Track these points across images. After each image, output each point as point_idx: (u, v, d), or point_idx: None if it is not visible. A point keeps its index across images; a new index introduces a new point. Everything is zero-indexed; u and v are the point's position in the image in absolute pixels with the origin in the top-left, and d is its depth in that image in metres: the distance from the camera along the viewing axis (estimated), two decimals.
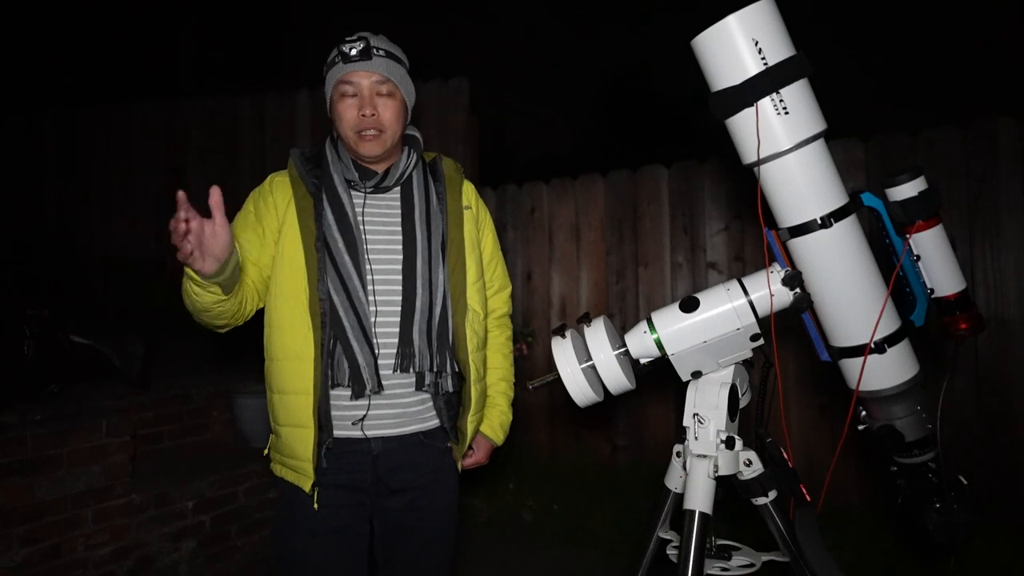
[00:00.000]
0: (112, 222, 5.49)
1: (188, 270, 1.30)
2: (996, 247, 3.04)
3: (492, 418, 1.70)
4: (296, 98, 4.99)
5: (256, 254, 1.50)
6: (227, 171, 5.07)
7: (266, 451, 1.59)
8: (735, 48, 1.22)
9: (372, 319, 1.47)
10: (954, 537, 1.35)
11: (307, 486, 1.46)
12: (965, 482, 1.39)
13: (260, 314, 1.57)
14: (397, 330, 1.49)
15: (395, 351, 1.48)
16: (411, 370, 1.48)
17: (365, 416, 1.48)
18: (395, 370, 1.48)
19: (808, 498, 1.44)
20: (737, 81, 1.23)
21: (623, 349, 1.45)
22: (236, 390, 3.29)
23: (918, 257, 1.36)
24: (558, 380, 1.44)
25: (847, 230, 1.29)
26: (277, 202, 1.52)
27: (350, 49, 1.47)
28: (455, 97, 4.47)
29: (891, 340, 1.34)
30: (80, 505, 2.45)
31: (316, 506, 1.47)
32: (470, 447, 1.66)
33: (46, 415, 2.47)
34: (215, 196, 1.23)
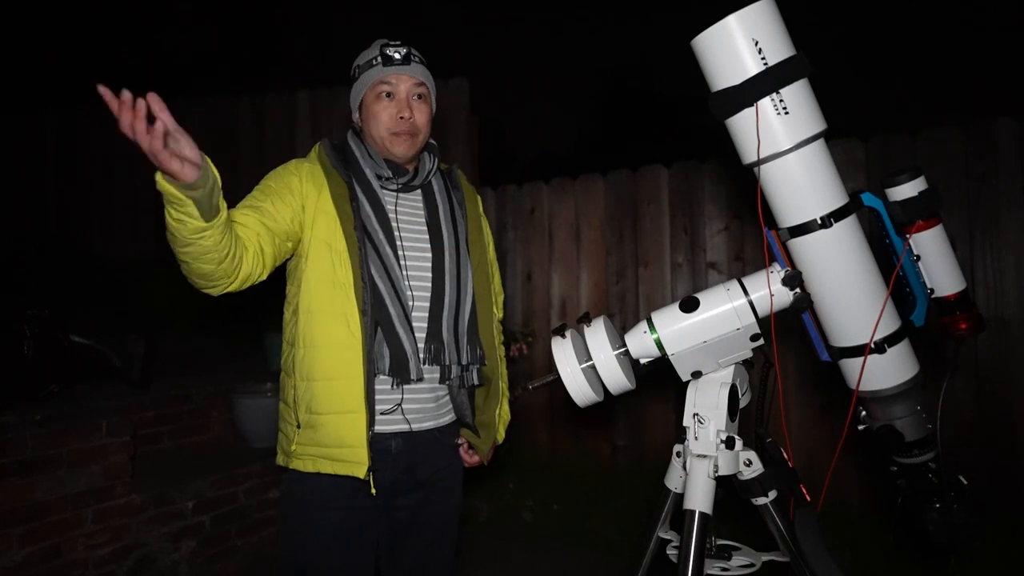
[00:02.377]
0: (112, 222, 5.50)
1: (164, 185, 1.14)
2: (996, 247, 3.04)
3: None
4: (296, 98, 5.00)
5: (270, 217, 1.42)
6: (227, 171, 5.06)
7: (292, 447, 1.50)
8: (735, 48, 1.22)
9: (412, 311, 1.51)
10: (954, 537, 1.35)
11: (362, 472, 1.43)
12: (965, 482, 1.39)
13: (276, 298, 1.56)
14: (425, 325, 1.52)
15: (423, 346, 1.51)
16: (439, 363, 1.51)
17: (398, 407, 1.50)
18: (424, 363, 1.50)
19: (808, 498, 1.44)
20: (737, 81, 1.23)
21: (623, 349, 1.45)
22: (236, 390, 3.29)
23: (918, 257, 1.36)
24: (558, 380, 1.44)
25: (847, 230, 1.29)
26: (304, 184, 1.49)
27: (394, 52, 1.53)
28: (455, 97, 4.48)
29: (891, 340, 1.34)
30: (80, 505, 2.45)
31: (374, 491, 1.46)
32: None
33: (46, 415, 2.47)
34: (155, 102, 1.06)
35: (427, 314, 1.53)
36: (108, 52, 10.63)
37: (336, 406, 1.45)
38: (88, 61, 10.27)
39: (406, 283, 1.51)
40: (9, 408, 2.44)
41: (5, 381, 2.49)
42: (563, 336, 1.47)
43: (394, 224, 1.54)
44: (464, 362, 1.54)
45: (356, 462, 1.43)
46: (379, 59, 1.54)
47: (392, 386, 1.49)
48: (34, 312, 2.70)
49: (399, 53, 1.53)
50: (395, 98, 1.54)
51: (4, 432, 2.31)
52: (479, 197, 1.77)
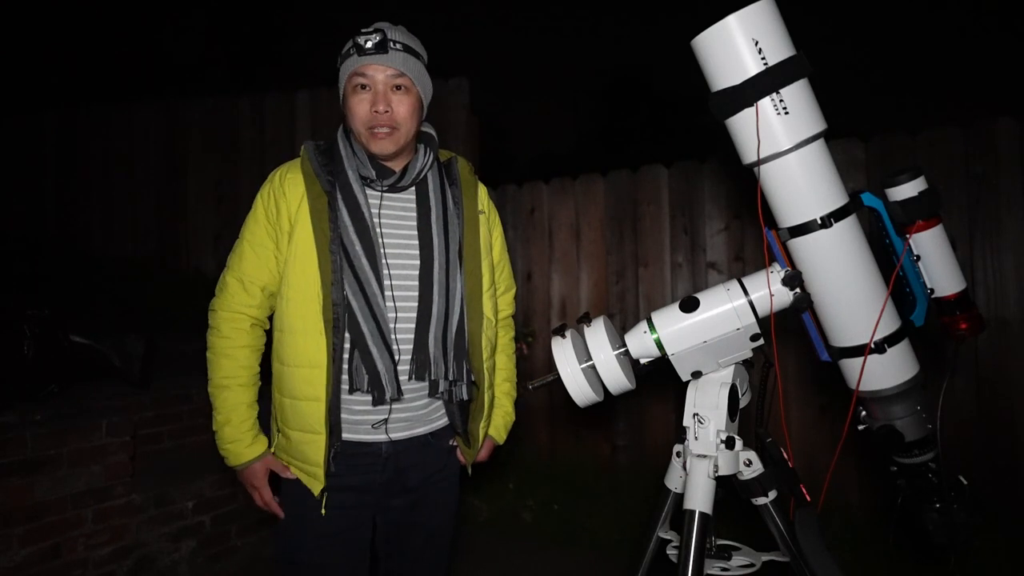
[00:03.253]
0: (112, 222, 5.49)
1: (229, 448, 1.51)
2: (996, 247, 3.04)
3: (497, 419, 1.69)
4: (296, 98, 5.00)
5: (276, 268, 1.48)
6: (227, 171, 5.07)
7: (271, 451, 1.55)
8: (735, 48, 1.22)
9: (391, 325, 1.45)
10: (954, 537, 1.36)
11: (317, 490, 1.46)
12: (965, 482, 1.39)
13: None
14: (412, 336, 1.47)
15: (410, 358, 1.46)
16: (426, 378, 1.46)
17: (386, 420, 1.48)
18: (410, 377, 1.46)
19: (808, 498, 1.44)
20: (737, 81, 1.23)
21: (623, 349, 1.45)
22: None
23: (918, 257, 1.36)
24: (558, 380, 1.44)
25: (847, 230, 1.29)
26: (289, 202, 1.46)
27: (365, 41, 1.41)
28: (455, 97, 4.48)
29: (891, 340, 1.34)
30: (80, 505, 2.45)
31: (324, 511, 1.46)
32: None
33: (46, 415, 2.47)
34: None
35: (414, 326, 1.47)
36: (108, 52, 10.63)
37: (301, 425, 1.45)
38: (88, 61, 10.27)
39: (383, 297, 1.44)
40: (9, 408, 2.44)
41: (5, 381, 2.49)
42: (563, 336, 1.47)
43: (377, 232, 1.46)
44: (451, 377, 1.47)
45: (315, 479, 1.46)
46: (353, 49, 1.44)
47: (372, 404, 1.44)
48: (34, 312, 2.69)
49: (371, 41, 1.41)
50: (371, 90, 1.44)
51: (4, 432, 2.31)
52: (484, 188, 1.68)
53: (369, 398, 1.44)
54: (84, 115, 5.70)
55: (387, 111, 1.44)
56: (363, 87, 1.45)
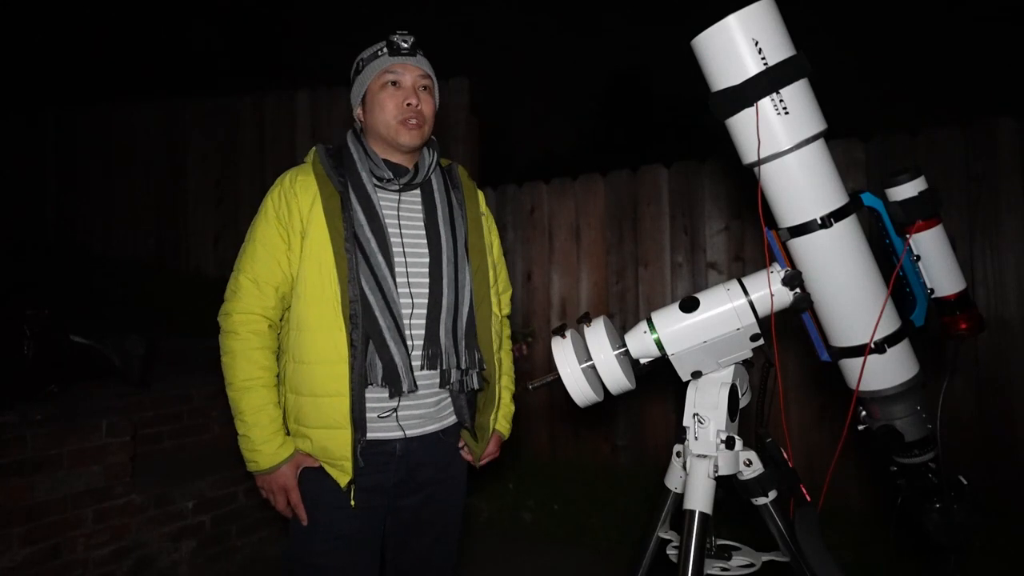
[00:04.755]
0: (112, 222, 5.49)
1: (254, 450, 1.49)
2: (996, 247, 3.04)
3: (500, 412, 1.71)
4: (296, 98, 5.00)
5: (288, 268, 1.50)
6: (227, 171, 5.07)
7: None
8: (735, 48, 1.22)
9: (406, 320, 1.49)
10: (954, 537, 1.36)
11: (344, 482, 1.46)
12: (965, 482, 1.39)
13: None
14: (423, 331, 1.50)
15: (420, 351, 1.50)
16: (437, 367, 1.50)
17: (395, 411, 1.49)
18: (422, 367, 1.49)
19: (808, 498, 1.44)
20: (737, 81, 1.23)
21: (623, 349, 1.45)
22: None
23: (918, 257, 1.36)
24: (558, 380, 1.44)
25: (847, 230, 1.29)
26: (301, 203, 1.49)
27: (401, 41, 1.53)
28: (455, 97, 4.48)
29: (891, 340, 1.34)
30: (80, 505, 2.45)
31: (353, 503, 1.47)
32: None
33: (46, 415, 2.47)
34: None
35: (424, 319, 1.51)
36: (108, 52, 10.64)
37: (323, 421, 1.46)
38: (88, 61, 10.28)
39: (398, 292, 1.48)
40: (9, 408, 2.44)
41: (5, 381, 2.49)
42: (563, 336, 1.47)
43: (395, 229, 1.52)
44: (463, 366, 1.52)
45: (342, 472, 1.46)
46: (385, 49, 1.53)
47: (389, 397, 1.47)
48: (34, 312, 2.69)
49: (406, 42, 1.53)
50: (401, 87, 1.53)
51: (4, 432, 2.31)
52: (481, 193, 1.74)
53: (381, 393, 1.47)
54: (84, 114, 5.70)
55: (417, 105, 1.53)
56: (394, 84, 1.53)
